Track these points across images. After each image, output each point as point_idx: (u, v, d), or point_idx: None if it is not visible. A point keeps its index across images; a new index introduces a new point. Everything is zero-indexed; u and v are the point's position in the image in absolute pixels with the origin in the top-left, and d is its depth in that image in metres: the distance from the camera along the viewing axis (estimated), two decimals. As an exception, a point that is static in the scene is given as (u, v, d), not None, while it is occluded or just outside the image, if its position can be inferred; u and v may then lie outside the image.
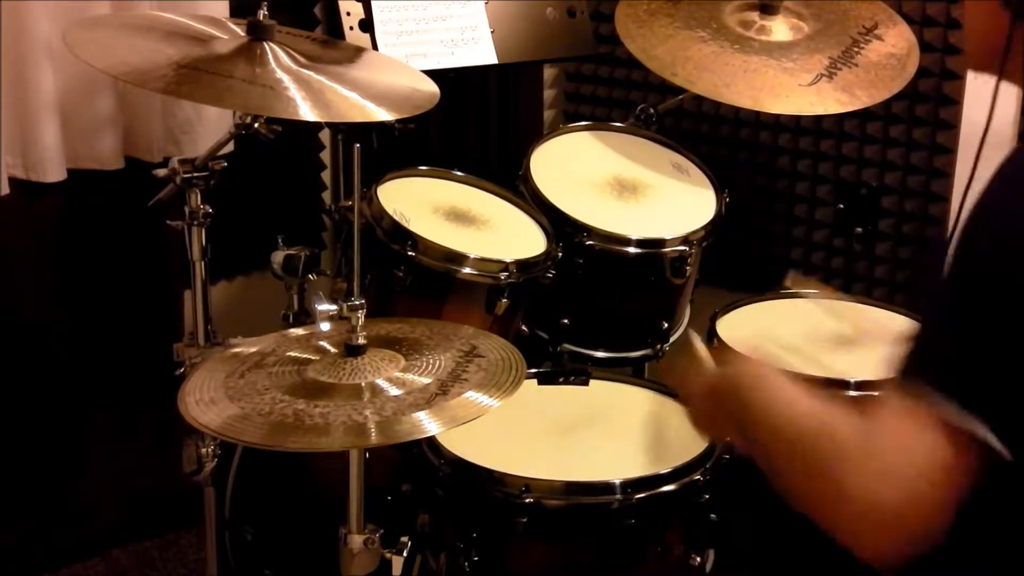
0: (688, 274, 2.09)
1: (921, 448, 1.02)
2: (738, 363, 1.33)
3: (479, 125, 2.84)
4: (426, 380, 1.46)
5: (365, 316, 1.50)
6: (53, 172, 2.17)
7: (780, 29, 2.22)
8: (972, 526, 1.06)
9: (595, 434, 1.87)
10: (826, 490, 1.07)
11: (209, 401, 1.42)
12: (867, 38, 2.20)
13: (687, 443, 1.80)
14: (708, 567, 1.77)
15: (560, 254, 2.01)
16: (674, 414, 1.93)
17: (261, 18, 1.80)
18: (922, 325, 1.09)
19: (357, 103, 1.76)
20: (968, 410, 1.00)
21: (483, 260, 1.91)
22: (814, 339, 2.07)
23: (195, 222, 1.93)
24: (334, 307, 1.59)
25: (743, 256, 2.57)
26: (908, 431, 1.03)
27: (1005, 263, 1.03)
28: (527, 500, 1.64)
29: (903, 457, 1.03)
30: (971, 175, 1.23)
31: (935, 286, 1.09)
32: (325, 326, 1.61)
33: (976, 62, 1.27)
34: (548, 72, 2.99)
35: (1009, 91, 1.23)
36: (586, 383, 2.00)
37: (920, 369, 1.05)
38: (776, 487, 1.14)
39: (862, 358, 2.01)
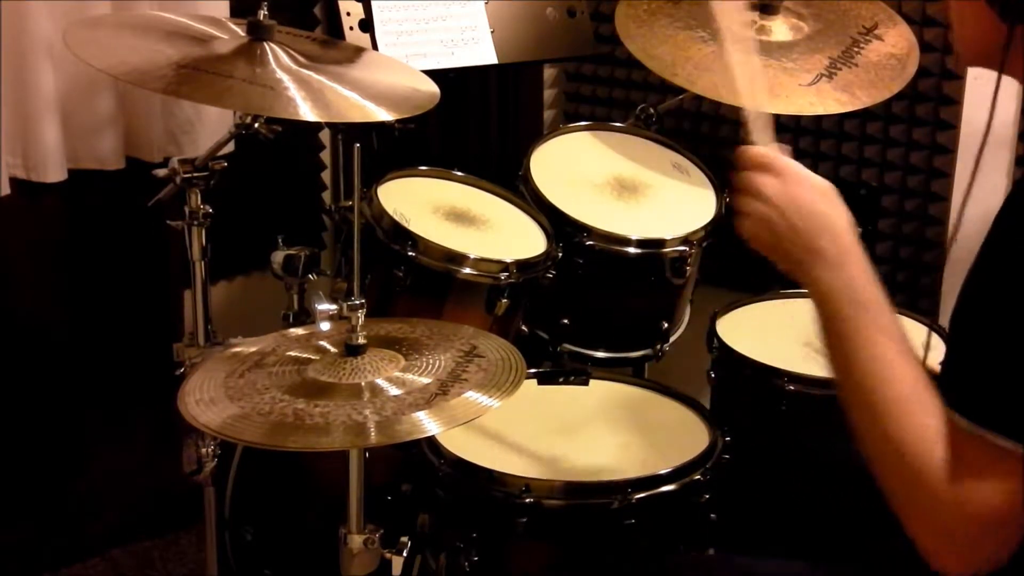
0: (688, 274, 2.09)
1: (1001, 489, 1.01)
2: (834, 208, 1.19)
3: (479, 125, 2.84)
4: (426, 380, 1.46)
5: (365, 316, 1.50)
6: (54, 172, 2.17)
7: (780, 29, 2.22)
8: None
9: (595, 434, 1.87)
10: (907, 493, 1.06)
11: (209, 401, 1.42)
12: (867, 38, 2.20)
13: (687, 443, 1.80)
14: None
15: (560, 254, 2.01)
16: (674, 414, 1.93)
17: (261, 18, 1.80)
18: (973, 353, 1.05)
19: (357, 103, 1.76)
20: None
21: (483, 260, 1.91)
22: (814, 339, 2.07)
23: (195, 222, 1.93)
24: (334, 307, 1.59)
25: (743, 256, 2.57)
26: (986, 473, 1.01)
27: None
28: (527, 500, 1.64)
29: (985, 496, 1.02)
30: (972, 175, 1.23)
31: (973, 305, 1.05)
32: (325, 326, 1.61)
33: (969, 59, 1.26)
34: (548, 72, 2.99)
35: (1009, 91, 1.23)
36: (586, 383, 2.00)
37: (981, 406, 1.02)
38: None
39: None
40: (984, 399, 1.03)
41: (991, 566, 1.05)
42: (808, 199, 1.22)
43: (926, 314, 2.13)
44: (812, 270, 1.17)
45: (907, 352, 1.11)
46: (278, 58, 1.77)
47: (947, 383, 1.05)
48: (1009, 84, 1.22)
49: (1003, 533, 1.03)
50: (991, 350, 1.03)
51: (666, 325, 2.15)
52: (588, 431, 1.87)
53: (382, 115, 1.77)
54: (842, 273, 1.16)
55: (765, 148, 1.26)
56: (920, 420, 1.06)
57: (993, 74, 1.23)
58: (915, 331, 2.14)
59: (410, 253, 1.87)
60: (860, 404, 1.10)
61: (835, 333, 1.14)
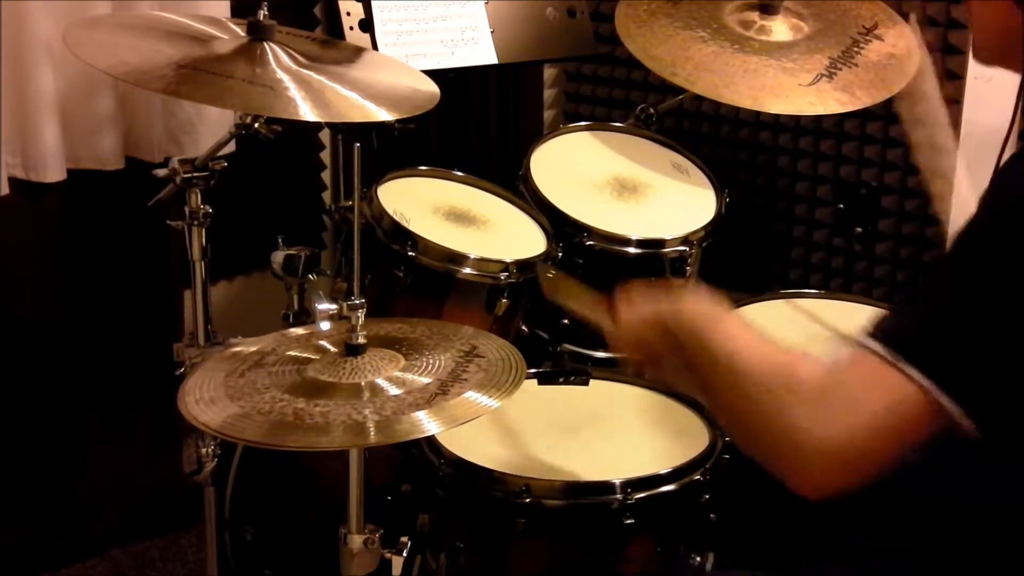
0: (688, 274, 2.09)
1: (879, 394, 1.06)
2: (691, 298, 1.32)
3: (479, 125, 2.84)
4: (426, 380, 1.46)
5: (365, 316, 1.50)
6: (53, 172, 2.17)
7: (780, 29, 2.22)
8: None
9: (595, 434, 1.87)
10: (773, 423, 1.12)
11: (209, 400, 1.42)
12: (867, 38, 2.20)
13: (687, 443, 1.80)
14: (708, 567, 1.76)
15: (560, 254, 2.01)
16: (674, 414, 1.93)
17: (261, 18, 1.80)
18: (905, 299, 1.13)
19: (357, 103, 1.76)
20: (932, 379, 1.04)
21: (483, 260, 1.91)
22: (814, 339, 2.07)
23: (195, 222, 1.93)
24: (334, 307, 1.59)
25: (743, 256, 2.57)
26: (870, 377, 1.07)
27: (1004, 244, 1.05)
28: (527, 500, 1.64)
29: (861, 398, 1.07)
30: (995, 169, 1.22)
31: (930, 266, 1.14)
32: (325, 326, 1.61)
33: (986, 56, 1.27)
34: (548, 72, 2.99)
35: (1010, 89, 1.23)
36: (586, 383, 2.00)
37: (893, 333, 1.08)
38: (718, 416, 1.19)
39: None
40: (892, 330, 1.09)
41: (851, 486, 1.10)
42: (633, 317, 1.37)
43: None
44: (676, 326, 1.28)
45: (744, 326, 1.22)
46: (278, 58, 1.77)
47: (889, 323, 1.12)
48: (1011, 84, 1.22)
49: (873, 448, 1.08)
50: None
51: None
52: (588, 431, 1.87)
53: (382, 115, 1.77)
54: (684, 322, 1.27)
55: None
56: (778, 357, 1.15)
57: (994, 75, 1.23)
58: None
59: (410, 253, 1.87)
60: (722, 386, 1.19)
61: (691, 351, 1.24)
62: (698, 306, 1.28)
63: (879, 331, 1.09)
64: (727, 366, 1.17)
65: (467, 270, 1.90)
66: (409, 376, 1.46)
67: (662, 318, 1.31)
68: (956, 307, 1.07)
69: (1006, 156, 1.21)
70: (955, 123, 2.38)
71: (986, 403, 1.05)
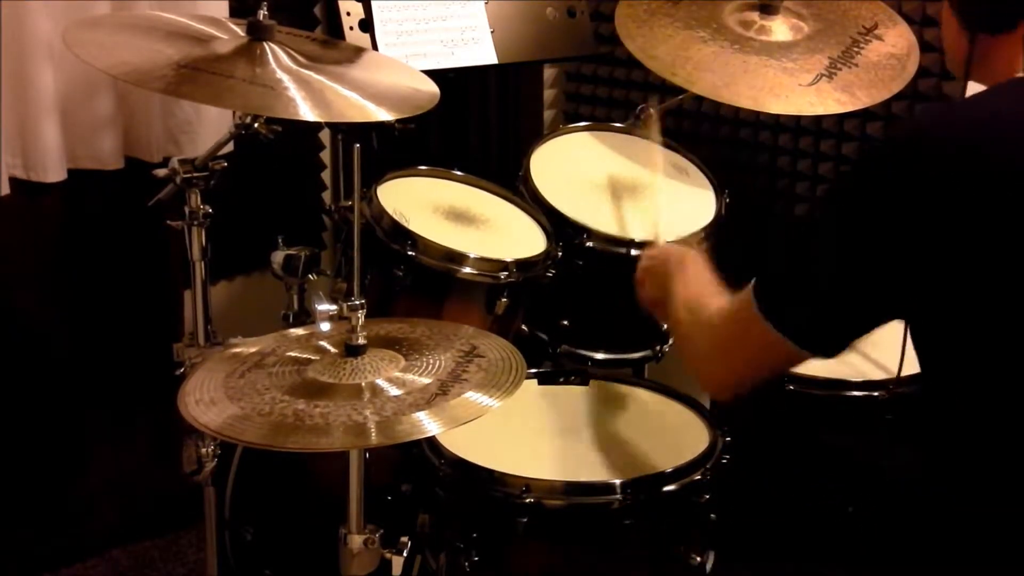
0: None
1: (751, 341, 1.36)
2: (670, 248, 1.75)
3: (479, 125, 2.84)
4: (426, 380, 1.46)
5: (365, 316, 1.50)
6: (53, 172, 2.17)
7: (780, 29, 2.22)
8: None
9: (595, 434, 1.87)
10: (692, 351, 1.51)
11: (209, 401, 1.42)
12: (867, 38, 2.20)
13: (687, 443, 1.80)
14: (708, 567, 1.76)
15: (560, 254, 2.01)
16: (674, 414, 1.93)
17: (261, 18, 1.80)
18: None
19: (357, 103, 1.76)
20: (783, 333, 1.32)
21: (483, 260, 1.91)
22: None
23: (195, 222, 1.93)
24: (334, 307, 1.59)
25: (743, 256, 2.57)
26: (744, 326, 1.37)
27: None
28: (527, 500, 1.64)
29: (738, 344, 1.40)
30: None
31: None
32: (325, 326, 1.61)
33: (950, 67, 1.47)
34: (548, 72, 2.99)
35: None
36: (586, 383, 2.00)
37: (762, 287, 1.37)
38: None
39: (860, 359, 2.01)
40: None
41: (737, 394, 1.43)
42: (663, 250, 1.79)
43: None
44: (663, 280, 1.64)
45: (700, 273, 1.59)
46: (278, 58, 1.77)
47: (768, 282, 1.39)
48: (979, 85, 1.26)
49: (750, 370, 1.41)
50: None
51: (666, 326, 2.15)
52: (588, 431, 1.87)
53: (382, 115, 1.77)
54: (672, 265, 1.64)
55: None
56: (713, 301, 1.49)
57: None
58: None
59: (410, 253, 1.87)
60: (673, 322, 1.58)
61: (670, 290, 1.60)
62: (677, 256, 1.65)
63: (756, 283, 1.36)
64: (675, 306, 1.55)
65: (467, 270, 1.90)
66: (409, 376, 1.46)
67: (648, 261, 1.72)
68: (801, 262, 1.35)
69: None
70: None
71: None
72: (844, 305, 1.29)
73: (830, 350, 1.34)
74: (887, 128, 2.44)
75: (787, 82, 2.12)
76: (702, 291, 1.52)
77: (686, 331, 1.52)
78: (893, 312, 1.31)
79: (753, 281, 1.36)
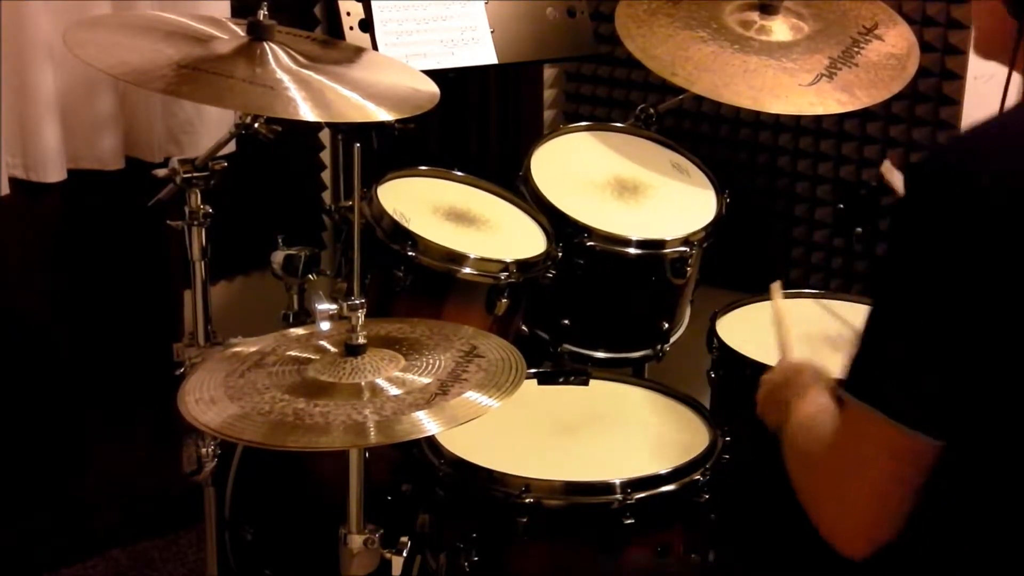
0: (688, 274, 2.09)
1: (870, 451, 1.11)
2: (785, 363, 1.50)
3: (479, 125, 2.84)
4: (426, 380, 1.46)
5: (365, 316, 1.50)
6: (53, 172, 2.17)
7: (780, 29, 2.22)
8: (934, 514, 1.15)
9: (595, 434, 1.87)
10: (807, 490, 1.20)
11: (209, 400, 1.42)
12: (867, 38, 2.20)
13: (687, 443, 1.80)
14: (708, 567, 1.76)
15: (560, 254, 2.01)
16: (674, 414, 1.93)
17: (261, 18, 1.80)
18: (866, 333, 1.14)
19: (357, 103, 1.76)
20: (912, 427, 1.08)
21: (483, 260, 1.91)
22: (813, 339, 2.07)
23: (195, 222, 1.93)
24: (334, 307, 1.59)
25: (743, 256, 2.57)
26: (857, 435, 1.12)
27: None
28: (527, 500, 1.64)
29: (859, 462, 1.12)
30: None
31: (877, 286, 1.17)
32: (325, 326, 1.61)
33: (982, 52, 1.31)
34: (548, 72, 2.99)
35: (1013, 88, 1.24)
36: (586, 383, 2.00)
37: (866, 385, 1.12)
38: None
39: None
40: (859, 376, 1.13)
41: (881, 539, 1.14)
42: (781, 366, 1.51)
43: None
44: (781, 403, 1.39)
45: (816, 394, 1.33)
46: (278, 58, 1.77)
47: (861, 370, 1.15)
48: (1014, 81, 1.23)
49: (884, 500, 1.13)
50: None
51: (666, 325, 2.15)
52: (588, 431, 1.87)
53: (382, 115, 1.77)
54: (791, 388, 1.40)
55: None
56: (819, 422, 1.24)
57: (994, 74, 1.24)
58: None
59: (410, 253, 1.87)
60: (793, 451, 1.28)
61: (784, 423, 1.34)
62: (796, 375, 1.42)
63: (847, 377, 1.13)
64: (790, 436, 1.29)
65: (467, 270, 1.90)
66: (409, 376, 1.46)
67: (777, 389, 1.44)
68: (891, 335, 1.11)
69: None
70: (955, 123, 2.39)
71: (955, 424, 1.08)
72: (941, 362, 1.08)
73: (948, 426, 1.08)
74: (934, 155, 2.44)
75: (787, 82, 2.12)
76: (814, 417, 1.27)
77: (798, 468, 1.25)
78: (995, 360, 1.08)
79: (846, 368, 1.14)
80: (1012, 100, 1.23)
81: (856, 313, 2.15)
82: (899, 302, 1.10)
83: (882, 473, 1.11)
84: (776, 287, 1.77)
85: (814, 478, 1.19)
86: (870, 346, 1.12)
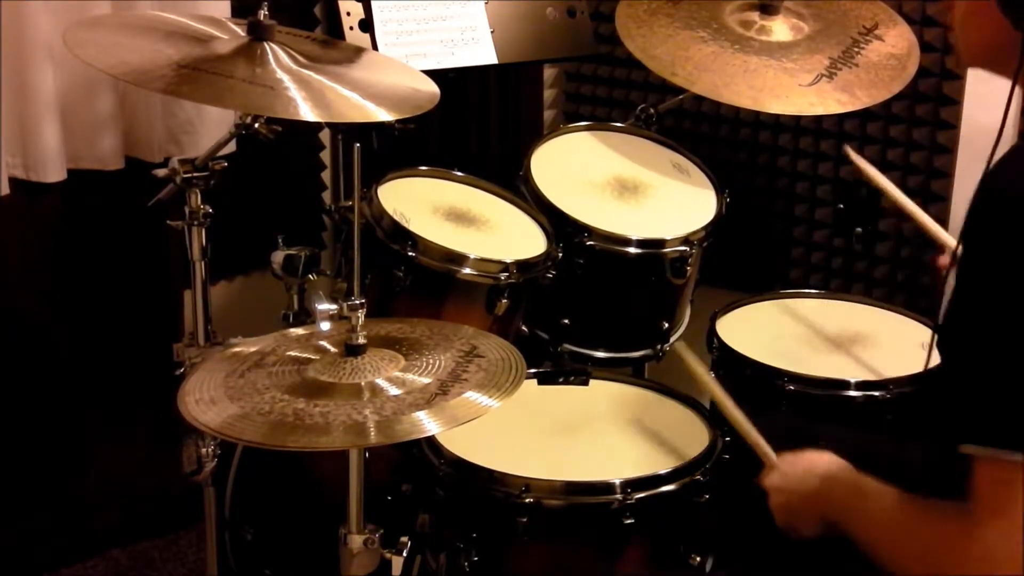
0: (688, 274, 2.09)
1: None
2: (832, 478, 1.41)
3: (479, 125, 2.84)
4: (426, 380, 1.46)
5: (365, 316, 1.50)
6: (53, 172, 2.17)
7: (780, 29, 2.22)
8: None
9: (595, 434, 1.86)
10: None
11: (209, 401, 1.42)
12: (867, 38, 2.20)
13: (687, 443, 1.80)
14: (708, 567, 1.76)
15: (560, 254, 2.01)
16: (674, 414, 1.93)
17: (261, 18, 1.80)
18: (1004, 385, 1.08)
19: (357, 103, 1.76)
20: None
21: (483, 260, 1.91)
22: (813, 339, 2.07)
23: (195, 222, 1.93)
24: (334, 307, 1.59)
25: (743, 256, 2.57)
26: (1011, 506, 1.07)
27: None
28: (527, 500, 1.64)
29: (1011, 534, 1.07)
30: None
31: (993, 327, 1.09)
32: (325, 326, 1.61)
33: (970, 60, 1.29)
34: (548, 72, 2.99)
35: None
36: (586, 383, 2.00)
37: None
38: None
39: (861, 359, 2.01)
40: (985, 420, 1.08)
41: None
42: (795, 474, 1.48)
43: (926, 314, 2.13)
44: (830, 512, 1.37)
45: (898, 502, 1.26)
46: (278, 58, 1.77)
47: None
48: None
49: None
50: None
51: (666, 325, 2.15)
52: (588, 431, 1.87)
53: (382, 115, 1.77)
54: (841, 496, 1.37)
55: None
56: (938, 529, 1.16)
57: (994, 75, 1.23)
58: (916, 331, 2.14)
59: (410, 253, 1.87)
60: (899, 560, 1.22)
61: (864, 529, 1.29)
62: (836, 487, 1.37)
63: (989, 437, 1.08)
64: (890, 553, 1.23)
65: (467, 270, 1.90)
66: (409, 376, 1.46)
67: (815, 500, 1.41)
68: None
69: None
70: (955, 123, 2.39)
71: None
72: None
73: None
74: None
75: (787, 82, 2.12)
76: (911, 500, 1.23)
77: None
78: None
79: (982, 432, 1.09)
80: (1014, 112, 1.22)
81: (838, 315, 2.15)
82: None
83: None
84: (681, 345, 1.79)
85: (944, 563, 1.14)
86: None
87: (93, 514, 2.48)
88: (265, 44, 1.78)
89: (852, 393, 1.87)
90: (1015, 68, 1.19)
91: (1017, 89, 1.22)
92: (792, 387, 1.90)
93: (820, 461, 1.44)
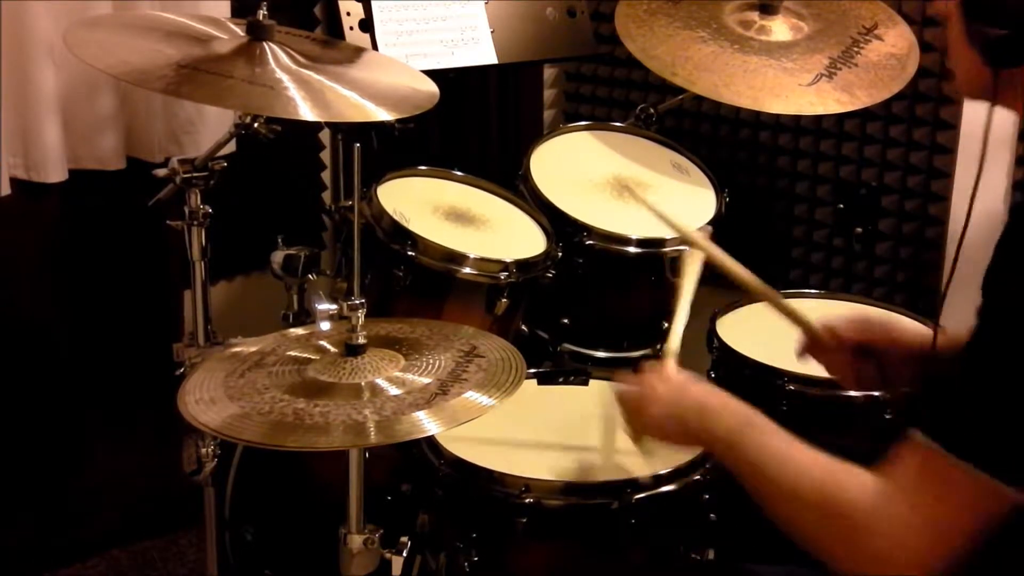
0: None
1: (947, 503, 1.08)
2: (706, 391, 1.43)
3: (479, 125, 2.84)
4: (426, 380, 1.46)
5: (365, 316, 1.50)
6: (54, 172, 2.17)
7: (780, 29, 2.22)
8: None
9: (595, 434, 1.86)
10: (841, 542, 1.16)
11: (209, 400, 1.42)
12: (867, 38, 2.20)
13: (687, 443, 1.80)
14: (708, 566, 1.76)
15: (560, 254, 2.01)
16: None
17: (261, 18, 1.80)
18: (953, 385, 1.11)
19: (357, 103, 1.76)
20: (996, 476, 1.06)
21: (483, 260, 1.91)
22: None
23: (195, 222, 1.93)
24: (334, 307, 1.59)
25: (743, 256, 2.57)
26: (932, 485, 1.09)
27: None
28: (527, 500, 1.64)
29: (924, 511, 1.09)
30: (975, 185, 1.24)
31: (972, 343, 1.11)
32: (325, 326, 1.61)
33: (966, 93, 1.31)
34: (548, 72, 2.99)
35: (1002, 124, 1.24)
36: (586, 383, 2.00)
37: (947, 432, 1.09)
38: (773, 520, 1.23)
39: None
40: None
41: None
42: (666, 395, 1.47)
43: (926, 314, 2.13)
44: (703, 433, 1.38)
45: (794, 441, 1.25)
46: (278, 58, 1.77)
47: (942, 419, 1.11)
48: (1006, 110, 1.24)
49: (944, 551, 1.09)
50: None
51: (666, 325, 2.15)
52: (588, 431, 1.87)
53: (382, 115, 1.77)
54: (721, 420, 1.35)
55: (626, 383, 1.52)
56: (854, 479, 1.16)
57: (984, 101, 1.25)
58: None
59: (410, 253, 1.87)
60: (788, 498, 1.23)
61: (741, 460, 1.30)
62: (725, 411, 1.36)
63: (927, 425, 1.09)
64: (778, 487, 1.24)
65: (467, 270, 1.90)
66: (409, 376, 1.46)
67: (685, 419, 1.41)
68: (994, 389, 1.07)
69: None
70: (955, 123, 2.39)
71: None
72: None
73: None
74: None
75: (787, 82, 2.12)
76: (815, 459, 1.22)
77: (811, 525, 1.20)
78: None
79: (919, 426, 1.11)
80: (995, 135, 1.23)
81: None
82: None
83: (957, 527, 1.08)
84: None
85: (848, 531, 1.14)
86: (981, 401, 1.08)
87: (93, 514, 2.48)
88: (265, 44, 1.78)
89: (852, 393, 1.87)
90: (992, 103, 1.22)
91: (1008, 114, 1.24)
92: (792, 387, 1.90)
93: (709, 388, 1.44)
